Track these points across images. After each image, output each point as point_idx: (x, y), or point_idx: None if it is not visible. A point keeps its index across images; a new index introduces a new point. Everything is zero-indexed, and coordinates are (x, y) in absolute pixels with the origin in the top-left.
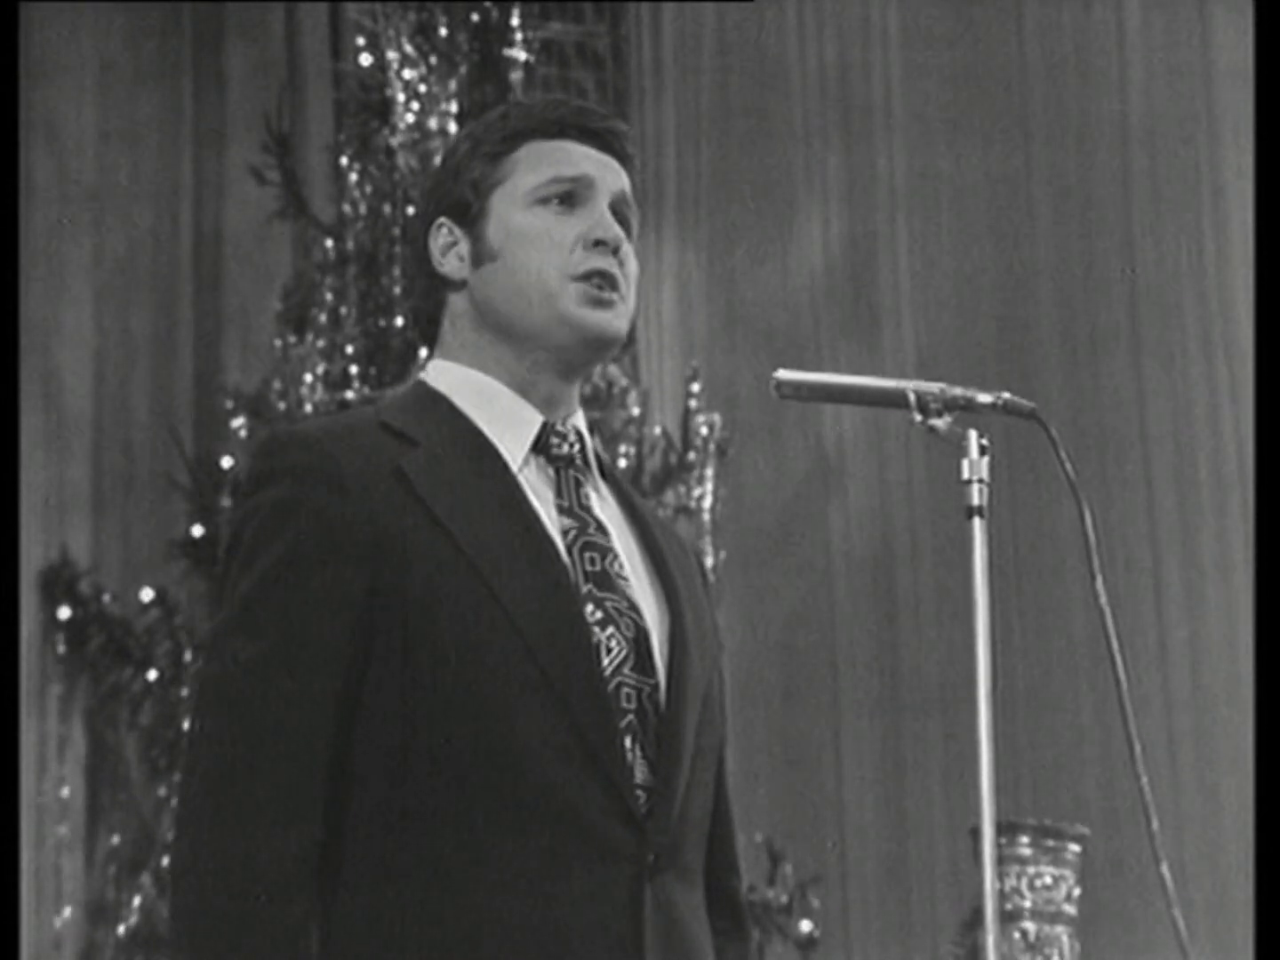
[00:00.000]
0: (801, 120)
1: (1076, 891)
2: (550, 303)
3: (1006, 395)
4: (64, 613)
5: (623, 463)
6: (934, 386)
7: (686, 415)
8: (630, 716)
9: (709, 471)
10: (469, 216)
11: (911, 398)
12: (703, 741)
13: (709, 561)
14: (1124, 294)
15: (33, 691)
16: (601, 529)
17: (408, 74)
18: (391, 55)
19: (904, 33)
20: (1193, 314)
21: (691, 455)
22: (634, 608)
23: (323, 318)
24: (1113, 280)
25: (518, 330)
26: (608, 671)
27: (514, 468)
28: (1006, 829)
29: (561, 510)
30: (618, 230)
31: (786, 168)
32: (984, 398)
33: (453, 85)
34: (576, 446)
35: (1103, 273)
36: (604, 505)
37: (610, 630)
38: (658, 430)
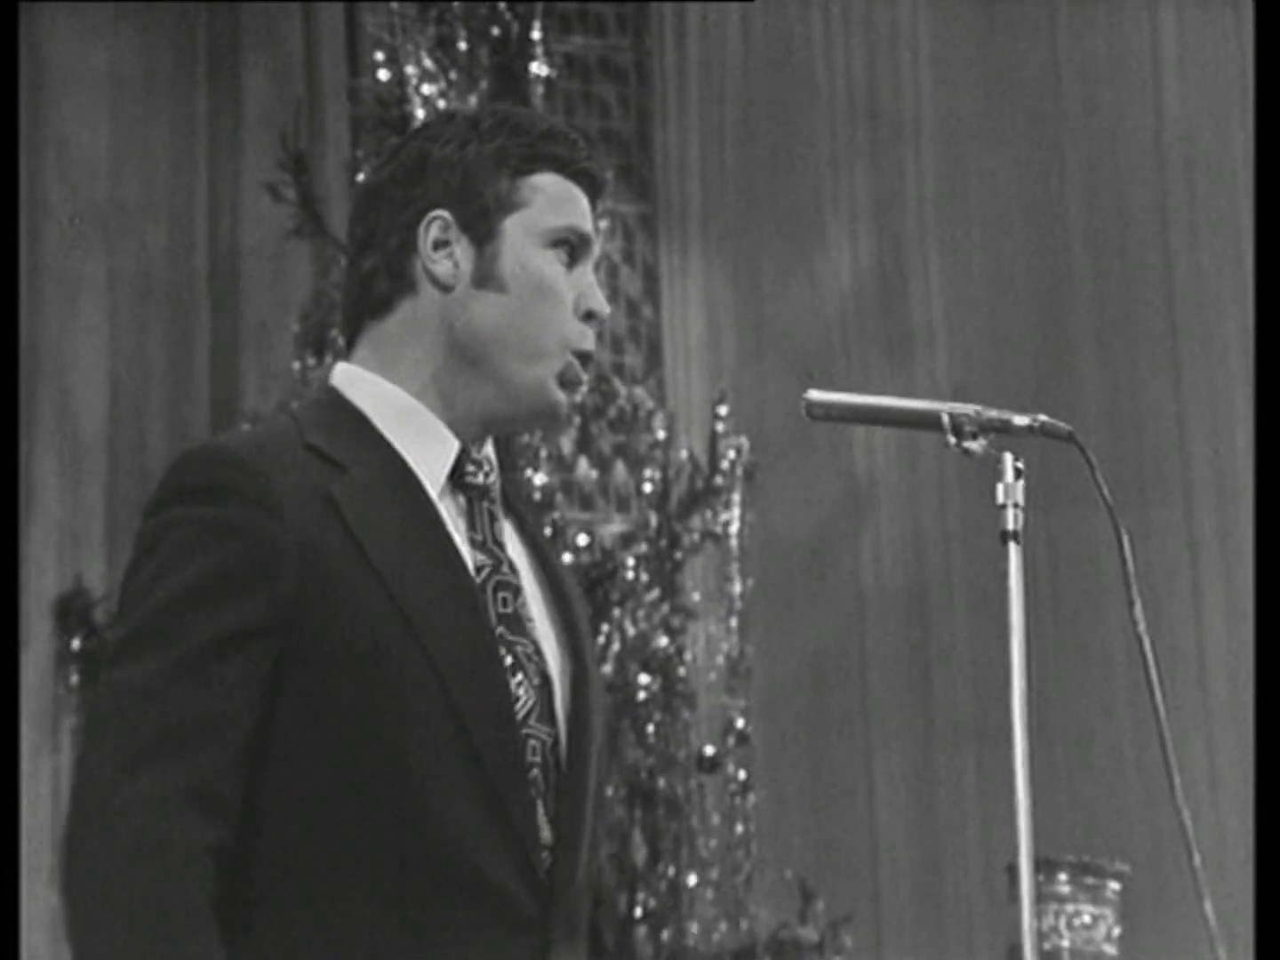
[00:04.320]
0: (829, 134)
1: (1117, 930)
2: (538, 363)
3: (1043, 417)
4: (77, 644)
5: (649, 487)
6: (969, 408)
7: (714, 438)
8: (535, 770)
9: (736, 496)
10: (479, 230)
11: (945, 420)
12: (597, 790)
13: (736, 588)
14: (1163, 312)
15: (45, 725)
16: (512, 567)
17: (427, 89)
18: (410, 70)
19: (933, 45)
20: (1234, 331)
21: (719, 479)
22: (539, 652)
23: (342, 339)
24: (1151, 298)
25: (488, 369)
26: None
27: (433, 496)
28: (1045, 866)
29: (475, 545)
30: (606, 306)
31: (814, 183)
32: (1020, 420)
33: (473, 100)
34: (491, 476)
35: (1140, 288)
36: (511, 540)
37: (519, 677)
38: (684, 454)
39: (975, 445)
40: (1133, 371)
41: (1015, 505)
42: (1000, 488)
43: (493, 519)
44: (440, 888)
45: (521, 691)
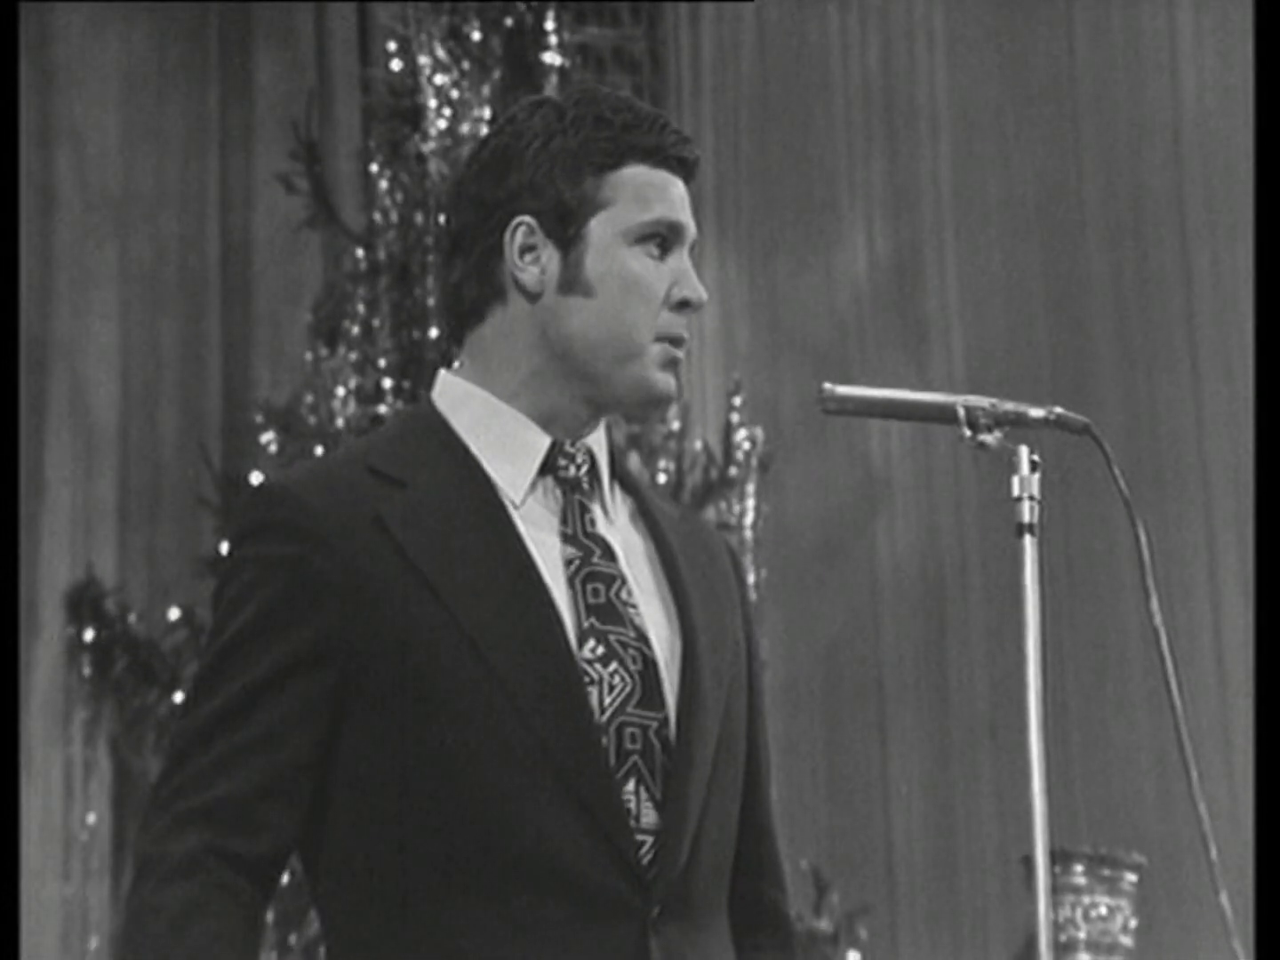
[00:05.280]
0: (844, 125)
1: (1133, 922)
2: (633, 360)
3: (1059, 410)
4: (89, 634)
5: (662, 478)
6: (984, 401)
7: (728, 429)
8: (635, 758)
9: (750, 487)
10: (565, 234)
11: (960, 412)
12: (721, 768)
13: (750, 580)
14: (1180, 303)
15: (56, 716)
16: (609, 553)
17: (439, 79)
18: (423, 60)
19: (949, 35)
20: (1251, 322)
21: (733, 470)
22: (642, 637)
23: (355, 329)
24: (1168, 289)
25: (585, 372)
26: (608, 713)
27: (516, 498)
28: (1060, 857)
29: (565, 539)
30: (703, 292)
31: (829, 175)
32: (1035, 412)
33: (485, 90)
34: (585, 466)
35: (1158, 281)
36: (614, 525)
37: (613, 666)
38: (698, 444)
39: (990, 438)
40: (1150, 363)
41: (1031, 498)
42: (1016, 480)
43: (583, 509)
44: (526, 886)
45: (616, 680)
